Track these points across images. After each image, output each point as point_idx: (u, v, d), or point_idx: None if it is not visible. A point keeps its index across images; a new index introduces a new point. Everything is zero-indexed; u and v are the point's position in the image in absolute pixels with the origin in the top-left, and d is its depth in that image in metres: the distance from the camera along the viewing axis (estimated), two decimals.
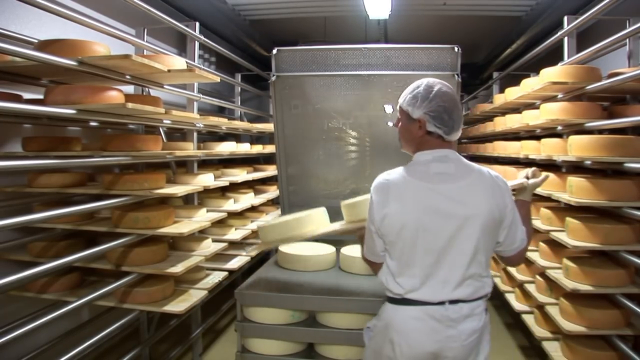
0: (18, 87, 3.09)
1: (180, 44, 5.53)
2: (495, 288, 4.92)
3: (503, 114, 5.27)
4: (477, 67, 8.79)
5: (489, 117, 5.99)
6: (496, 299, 5.44)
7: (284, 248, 3.50)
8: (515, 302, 4.16)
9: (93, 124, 3.50)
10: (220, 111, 6.68)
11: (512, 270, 4.23)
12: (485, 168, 2.13)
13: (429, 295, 2.03)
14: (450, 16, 6.49)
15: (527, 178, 2.36)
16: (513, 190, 2.28)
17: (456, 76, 3.82)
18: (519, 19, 6.05)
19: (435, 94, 2.04)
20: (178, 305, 3.02)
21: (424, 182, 2.01)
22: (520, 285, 4.05)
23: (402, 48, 3.90)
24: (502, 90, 5.52)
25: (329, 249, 3.57)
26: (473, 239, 2.01)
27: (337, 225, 2.82)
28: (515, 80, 4.82)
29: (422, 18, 6.82)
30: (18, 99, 2.93)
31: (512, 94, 4.60)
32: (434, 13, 6.36)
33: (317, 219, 2.90)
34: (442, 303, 2.02)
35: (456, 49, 3.79)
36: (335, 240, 4.07)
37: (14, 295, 3.05)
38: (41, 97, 2.95)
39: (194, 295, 3.18)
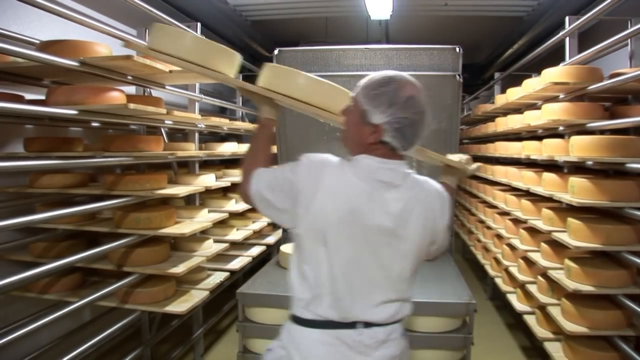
0: (20, 87, 3.10)
1: None
2: (496, 288, 4.94)
3: (504, 114, 5.26)
4: (479, 67, 8.80)
5: (490, 118, 5.98)
6: (498, 299, 5.45)
7: (286, 249, 3.49)
8: (517, 302, 4.16)
9: (95, 124, 3.50)
10: (221, 112, 6.69)
11: (513, 270, 4.22)
12: (434, 183, 1.85)
13: (341, 315, 1.71)
14: (451, 16, 6.49)
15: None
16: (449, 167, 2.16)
17: (457, 76, 3.82)
18: (520, 19, 6.05)
19: (405, 101, 1.65)
20: (180, 306, 3.02)
21: (365, 184, 1.68)
22: (521, 286, 4.05)
23: (403, 49, 3.91)
24: (503, 91, 5.52)
25: None
26: (402, 259, 1.73)
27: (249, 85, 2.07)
28: (516, 81, 4.82)
29: (423, 18, 6.82)
30: (20, 99, 2.94)
31: (513, 94, 4.60)
32: (435, 13, 6.36)
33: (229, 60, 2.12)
34: (354, 326, 1.72)
35: (457, 49, 3.79)
36: None
37: (15, 295, 3.06)
38: (43, 97, 2.96)
39: (196, 296, 3.18)
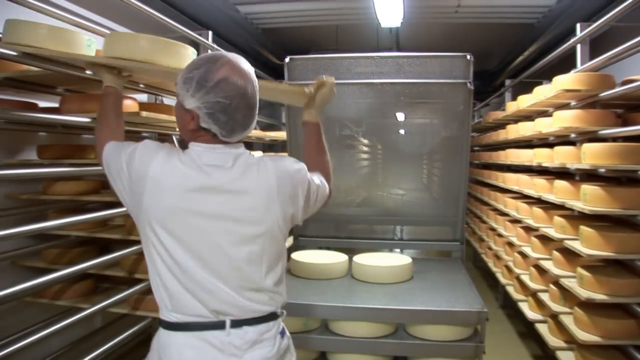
0: (34, 95, 3.13)
1: None
2: (508, 296, 4.92)
3: (516, 121, 5.25)
4: (489, 74, 8.79)
5: (501, 125, 5.97)
6: (509, 307, 5.41)
7: (297, 256, 3.50)
8: (529, 311, 4.14)
9: None
10: None
11: (525, 278, 4.21)
12: (271, 159, 1.71)
13: (203, 313, 1.61)
14: (462, 23, 6.50)
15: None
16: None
17: (469, 84, 3.82)
18: (531, 26, 6.04)
19: (216, 83, 1.55)
20: None
21: (192, 170, 1.59)
22: (533, 294, 4.02)
23: (414, 56, 3.91)
24: (514, 98, 5.52)
25: (342, 257, 3.57)
26: (246, 243, 1.62)
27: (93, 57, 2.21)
28: (527, 88, 4.81)
29: (433, 25, 6.83)
30: (34, 107, 2.97)
31: (524, 101, 4.59)
32: (445, 20, 6.37)
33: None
34: (222, 326, 1.61)
35: (468, 57, 3.79)
36: (348, 248, 4.09)
37: (28, 301, 3.08)
38: (56, 105, 3.00)
39: None
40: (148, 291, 3.00)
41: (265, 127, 6.77)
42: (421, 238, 4.66)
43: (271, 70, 7.07)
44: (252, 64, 4.38)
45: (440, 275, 3.57)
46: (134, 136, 4.01)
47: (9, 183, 3.17)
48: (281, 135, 5.92)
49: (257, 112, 1.69)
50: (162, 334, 1.67)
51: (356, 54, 3.96)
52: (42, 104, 3.13)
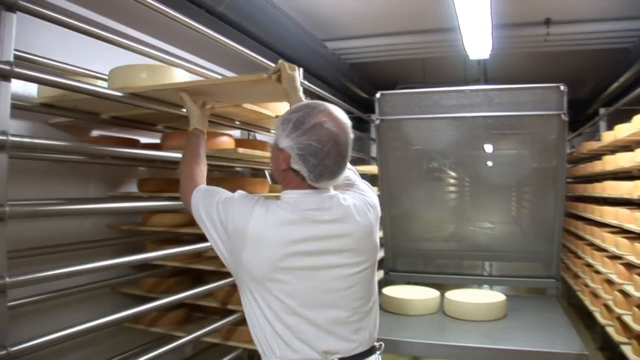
0: (135, 132, 3.31)
1: None
2: (607, 338, 4.65)
3: (612, 152, 5.03)
4: (581, 102, 8.46)
5: (596, 156, 5.73)
6: (609, 349, 5.11)
7: (388, 291, 3.47)
8: (632, 354, 3.91)
9: None
10: None
11: (627, 319, 3.97)
12: (358, 192, 1.82)
13: (313, 357, 1.64)
14: (551, 52, 6.33)
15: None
16: None
17: (563, 116, 3.71)
18: (626, 51, 5.77)
19: (311, 126, 1.61)
20: None
21: (297, 220, 1.63)
22: (637, 337, 3.79)
23: (506, 88, 3.85)
24: (610, 127, 5.28)
25: (433, 293, 3.52)
26: (356, 284, 1.70)
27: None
28: (624, 116, 4.61)
29: (521, 55, 6.69)
30: (135, 143, 3.12)
31: (622, 131, 4.40)
32: (534, 50, 6.23)
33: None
34: None
35: (562, 87, 3.68)
36: (436, 283, 4.02)
37: (126, 326, 3.20)
38: (155, 141, 3.15)
39: None
40: (240, 322, 3.07)
41: (353, 161, 6.77)
42: (512, 274, 4.52)
43: (359, 104, 7.12)
44: (340, 98, 4.48)
45: (535, 314, 3.44)
46: (229, 171, 4.15)
47: (110, 214, 3.32)
48: (370, 169, 5.89)
49: (347, 163, 1.72)
50: None
51: (447, 88, 3.94)
52: (142, 140, 3.29)
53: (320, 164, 1.62)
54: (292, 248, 1.61)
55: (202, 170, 1.98)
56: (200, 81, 2.27)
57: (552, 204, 4.08)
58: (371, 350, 1.75)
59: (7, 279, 1.70)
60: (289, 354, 1.63)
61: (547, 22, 5.38)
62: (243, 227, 1.62)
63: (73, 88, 2.08)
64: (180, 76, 2.54)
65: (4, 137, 1.70)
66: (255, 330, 1.70)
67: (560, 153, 3.97)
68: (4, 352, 1.67)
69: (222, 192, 1.77)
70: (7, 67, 1.72)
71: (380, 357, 1.79)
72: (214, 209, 1.70)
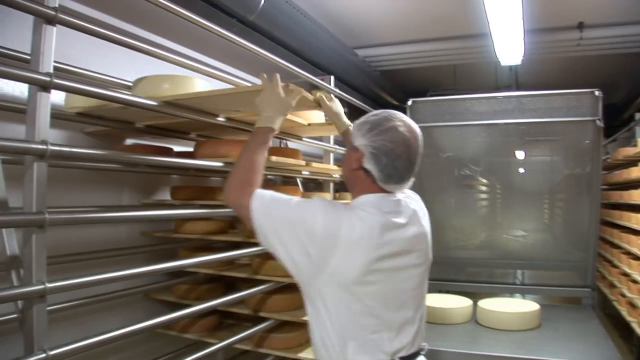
0: (167, 140, 3.36)
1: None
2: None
3: None
4: (616, 107, 8.30)
5: (632, 162, 5.62)
6: None
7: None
8: None
9: None
10: None
11: None
12: (417, 198, 2.00)
13: (380, 358, 1.70)
14: (584, 57, 6.23)
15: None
16: None
17: (597, 122, 3.66)
18: None
19: (387, 128, 1.73)
20: (312, 353, 3.03)
21: (383, 222, 1.69)
22: None
23: (539, 94, 3.81)
24: None
25: (466, 302, 3.48)
26: (425, 283, 1.88)
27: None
28: None
29: (553, 60, 6.60)
30: (169, 152, 3.16)
31: None
32: (567, 54, 6.13)
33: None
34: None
35: (597, 93, 3.63)
36: (467, 292, 3.98)
37: (158, 332, 3.24)
38: (186, 149, 3.18)
39: None
40: (272, 329, 3.07)
41: None
42: (545, 283, 4.45)
43: None
44: (371, 106, 4.47)
45: (570, 324, 3.38)
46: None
47: (144, 221, 3.37)
48: None
49: (415, 171, 1.80)
50: None
51: (479, 95, 3.92)
52: (176, 148, 3.33)
53: (391, 165, 1.72)
54: (382, 250, 1.66)
55: (261, 172, 1.92)
56: (233, 89, 2.29)
57: (586, 212, 4.01)
58: (421, 349, 1.83)
59: (47, 285, 1.73)
60: (360, 357, 1.67)
61: (580, 26, 5.29)
62: (334, 230, 1.64)
63: (110, 98, 2.12)
64: (201, 86, 2.57)
65: (44, 147, 1.73)
66: (322, 334, 1.73)
67: (595, 159, 3.91)
68: (43, 355, 1.70)
69: (292, 196, 1.79)
70: (48, 79, 1.76)
71: (425, 358, 1.84)
72: (294, 214, 1.71)
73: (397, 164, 1.73)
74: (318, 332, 1.75)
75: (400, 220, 1.75)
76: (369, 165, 1.74)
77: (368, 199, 1.76)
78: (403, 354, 1.72)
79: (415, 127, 1.80)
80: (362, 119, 1.82)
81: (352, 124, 2.08)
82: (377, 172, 1.74)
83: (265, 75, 2.12)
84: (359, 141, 1.76)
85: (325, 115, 2.36)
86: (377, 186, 1.77)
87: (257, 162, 1.89)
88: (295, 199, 1.77)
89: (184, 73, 2.93)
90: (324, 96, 2.17)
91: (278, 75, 2.09)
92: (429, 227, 1.90)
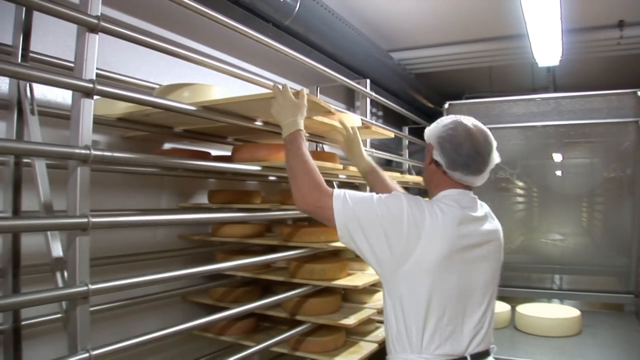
0: (204, 144, 3.40)
1: (348, 99, 5.75)
2: None
3: None
4: None
5: None
6: None
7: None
8: None
9: (271, 178, 3.71)
10: (387, 164, 6.73)
11: None
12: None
13: (451, 352, 1.78)
14: (624, 56, 6.09)
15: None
16: None
17: (639, 122, 3.57)
18: None
19: (454, 121, 1.94)
20: (349, 357, 3.03)
21: (462, 216, 1.83)
22: None
23: (577, 96, 3.74)
24: None
25: (504, 307, 3.44)
26: (497, 280, 1.97)
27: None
28: None
29: (592, 60, 6.46)
30: (207, 156, 3.20)
31: None
32: (606, 54, 6.00)
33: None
34: None
35: (639, 92, 3.55)
36: (508, 297, 3.92)
37: (195, 334, 3.27)
38: (225, 153, 3.21)
39: (365, 348, 3.18)
40: (309, 333, 3.08)
41: (421, 172, 6.68)
42: (585, 288, 4.35)
43: (426, 114, 7.04)
44: (406, 109, 4.45)
45: (611, 331, 3.30)
46: None
47: (182, 225, 3.41)
48: None
49: (486, 164, 1.93)
50: None
51: (517, 97, 3.87)
52: (213, 152, 3.36)
53: (454, 151, 1.86)
54: (460, 242, 1.79)
55: (317, 169, 2.09)
56: (265, 94, 2.30)
57: (628, 215, 3.92)
58: (489, 350, 1.88)
59: (90, 286, 1.77)
60: (436, 347, 1.76)
61: (621, 24, 5.17)
62: (419, 221, 1.77)
63: (150, 103, 2.15)
64: (219, 93, 2.61)
65: (87, 152, 1.77)
66: (399, 325, 1.82)
67: (637, 161, 3.82)
68: (86, 354, 1.74)
69: (369, 193, 1.94)
70: (91, 85, 1.80)
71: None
72: (379, 209, 1.82)
73: (460, 151, 1.85)
74: (395, 324, 1.83)
75: (477, 214, 1.88)
76: (437, 156, 1.89)
77: (447, 194, 1.90)
78: (475, 350, 1.78)
79: (482, 125, 1.96)
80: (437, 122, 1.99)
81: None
82: (442, 158, 1.88)
83: (274, 84, 2.22)
84: (432, 138, 1.93)
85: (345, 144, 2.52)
86: (451, 180, 1.91)
87: (309, 162, 2.05)
88: (375, 195, 1.89)
89: (220, 78, 2.97)
90: (350, 129, 2.43)
91: (286, 84, 2.17)
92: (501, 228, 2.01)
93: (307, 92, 2.25)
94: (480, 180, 1.94)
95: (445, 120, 1.95)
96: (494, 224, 1.97)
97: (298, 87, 2.90)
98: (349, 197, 1.87)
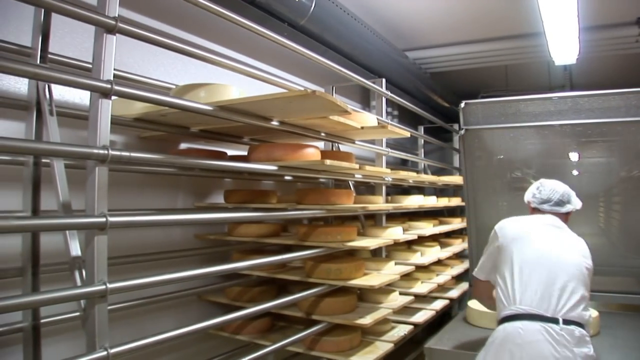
0: (222, 145, 3.41)
1: (364, 99, 5.74)
2: None
3: None
4: None
5: None
6: None
7: (473, 304, 3.41)
8: None
9: (287, 178, 3.72)
10: (402, 163, 6.74)
11: None
12: None
13: (546, 309, 2.38)
14: None
15: None
16: None
17: None
18: None
19: (539, 189, 3.02)
20: (365, 357, 3.02)
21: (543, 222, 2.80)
22: None
23: (595, 94, 3.69)
24: None
25: None
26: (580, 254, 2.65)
27: None
28: None
29: (609, 58, 6.40)
30: (223, 156, 3.21)
31: None
32: (624, 52, 5.93)
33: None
34: (556, 321, 2.33)
35: None
36: None
37: (211, 333, 3.27)
38: (239, 152, 3.22)
39: (380, 348, 3.17)
40: (324, 332, 3.08)
41: (435, 172, 6.69)
42: (602, 289, 4.30)
43: (441, 113, 7.01)
44: (422, 108, 4.43)
45: (630, 332, 3.27)
46: (313, 182, 4.20)
47: (198, 224, 3.42)
48: (454, 179, 5.79)
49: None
50: (506, 327, 2.42)
51: (534, 96, 3.81)
52: (229, 152, 3.37)
53: (539, 191, 3.03)
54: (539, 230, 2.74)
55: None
56: (284, 93, 2.31)
57: None
58: (585, 324, 2.48)
59: (108, 285, 1.78)
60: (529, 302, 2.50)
61: (639, 21, 5.12)
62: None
63: (166, 103, 2.16)
64: (235, 93, 2.61)
65: (105, 152, 1.78)
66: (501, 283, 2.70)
67: None
68: (104, 352, 1.75)
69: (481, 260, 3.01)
70: (108, 86, 1.81)
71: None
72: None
73: (542, 190, 3.01)
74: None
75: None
76: (533, 203, 3.01)
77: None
78: (566, 317, 2.41)
79: (563, 186, 3.05)
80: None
81: None
82: (533, 198, 3.03)
83: None
84: (528, 197, 3.08)
85: None
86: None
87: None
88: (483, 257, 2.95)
89: (236, 78, 2.98)
90: None
91: None
92: None
93: (323, 92, 2.24)
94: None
95: (536, 186, 3.07)
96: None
97: (314, 87, 2.92)
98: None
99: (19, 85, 2.35)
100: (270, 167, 2.68)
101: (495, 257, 2.77)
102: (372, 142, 4.14)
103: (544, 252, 2.60)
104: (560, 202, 2.92)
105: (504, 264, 2.66)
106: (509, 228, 2.79)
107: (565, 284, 2.45)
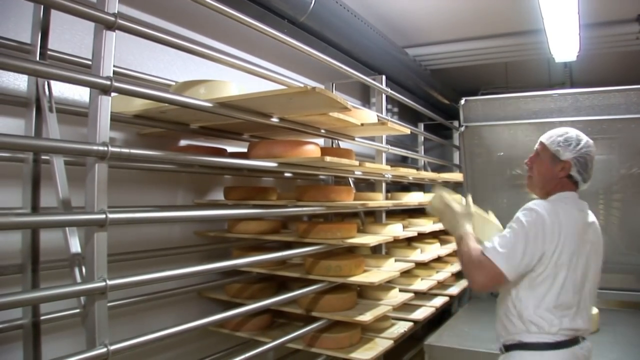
0: (222, 141, 3.41)
1: (364, 96, 5.74)
2: None
3: None
4: None
5: None
6: None
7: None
8: None
9: (287, 174, 3.71)
10: (402, 160, 6.74)
11: None
12: None
13: (578, 328, 2.13)
14: None
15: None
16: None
17: None
18: None
19: (585, 143, 2.24)
20: (365, 354, 3.02)
21: (577, 211, 2.23)
22: None
23: (596, 91, 3.69)
24: None
25: None
26: (598, 266, 2.25)
27: None
28: None
29: (609, 55, 6.39)
30: (223, 152, 3.21)
31: None
32: (624, 49, 5.92)
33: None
34: (577, 342, 2.14)
35: None
36: None
37: (210, 330, 3.29)
38: (238, 149, 3.22)
39: (380, 345, 3.17)
40: (324, 329, 3.08)
41: (436, 169, 6.69)
42: (602, 286, 4.30)
43: (441, 110, 7.01)
44: (422, 105, 4.42)
45: (630, 329, 3.27)
46: (312, 179, 4.19)
47: (198, 221, 3.42)
48: (454, 176, 5.79)
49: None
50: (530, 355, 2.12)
51: (534, 93, 3.82)
52: (229, 149, 3.37)
53: (587, 173, 2.26)
54: (579, 234, 2.16)
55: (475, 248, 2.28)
56: (284, 89, 2.31)
57: None
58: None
59: (108, 282, 1.78)
60: (560, 329, 2.11)
61: (639, 18, 5.11)
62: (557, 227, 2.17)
63: (166, 100, 2.16)
64: (234, 90, 2.60)
65: (105, 148, 1.78)
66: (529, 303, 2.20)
67: None
68: (104, 349, 1.76)
69: (501, 233, 2.26)
70: (108, 83, 1.81)
71: None
72: (522, 237, 2.17)
73: (590, 173, 2.27)
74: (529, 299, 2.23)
75: (591, 219, 2.29)
76: (574, 172, 2.24)
77: (570, 195, 2.27)
78: (583, 334, 2.21)
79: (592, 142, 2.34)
80: (563, 136, 2.27)
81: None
82: (580, 177, 2.25)
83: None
84: (567, 155, 2.22)
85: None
86: (574, 187, 2.29)
87: (471, 248, 2.27)
88: (505, 230, 2.23)
89: (236, 75, 2.98)
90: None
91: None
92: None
93: (323, 88, 2.24)
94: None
95: (577, 141, 2.24)
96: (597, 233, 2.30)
97: (314, 84, 2.92)
98: (501, 249, 2.13)
99: (19, 82, 2.35)
100: (270, 164, 2.68)
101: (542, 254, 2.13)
102: (372, 139, 4.14)
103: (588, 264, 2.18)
104: None
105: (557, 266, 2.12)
106: (564, 224, 2.13)
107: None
